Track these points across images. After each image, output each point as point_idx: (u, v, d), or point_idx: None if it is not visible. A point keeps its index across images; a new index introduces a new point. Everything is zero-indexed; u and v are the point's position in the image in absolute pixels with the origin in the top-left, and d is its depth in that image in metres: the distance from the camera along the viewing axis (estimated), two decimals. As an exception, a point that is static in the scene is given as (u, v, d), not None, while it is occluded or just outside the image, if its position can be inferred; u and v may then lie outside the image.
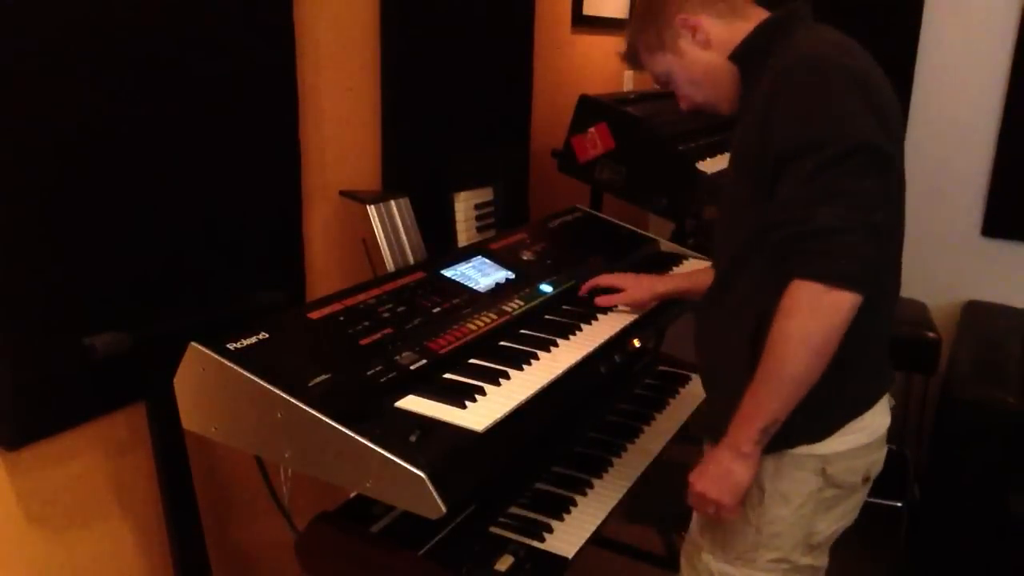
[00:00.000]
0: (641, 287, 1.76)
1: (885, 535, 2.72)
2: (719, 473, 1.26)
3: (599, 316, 1.70)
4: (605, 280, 1.79)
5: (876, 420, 1.35)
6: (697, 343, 1.45)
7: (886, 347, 1.39)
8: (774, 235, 1.19)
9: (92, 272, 1.34)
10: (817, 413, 1.23)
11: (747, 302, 1.29)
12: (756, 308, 1.26)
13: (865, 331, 1.20)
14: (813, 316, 1.15)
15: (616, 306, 1.75)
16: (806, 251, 1.14)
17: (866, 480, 1.37)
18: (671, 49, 1.40)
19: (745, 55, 1.34)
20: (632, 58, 1.48)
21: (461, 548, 1.45)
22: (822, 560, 1.39)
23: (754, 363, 1.24)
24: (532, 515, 1.56)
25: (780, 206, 1.18)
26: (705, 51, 1.37)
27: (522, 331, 1.58)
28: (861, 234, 1.12)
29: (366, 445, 1.12)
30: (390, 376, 1.30)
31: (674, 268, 2.10)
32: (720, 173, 2.30)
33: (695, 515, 1.44)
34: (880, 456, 1.39)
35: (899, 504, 2.71)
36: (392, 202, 1.79)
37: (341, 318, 1.43)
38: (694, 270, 1.83)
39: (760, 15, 1.36)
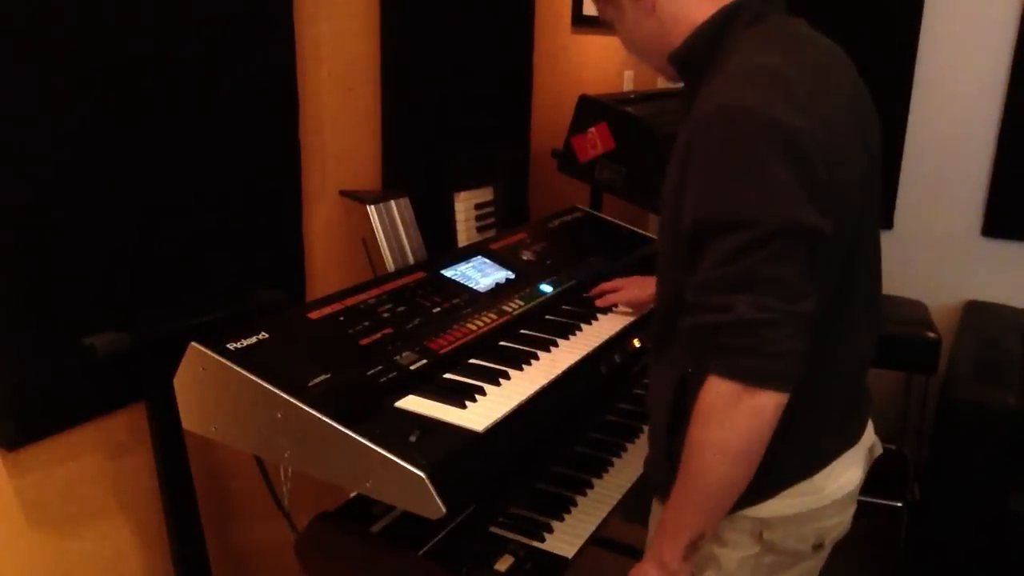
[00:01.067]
0: (637, 285, 1.75)
1: (885, 535, 2.72)
2: None
3: (599, 316, 1.71)
4: (607, 285, 1.79)
5: (833, 481, 1.19)
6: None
7: (855, 396, 1.25)
8: (688, 321, 1.05)
9: (92, 272, 1.34)
10: (753, 477, 1.07)
11: (674, 359, 1.17)
12: (680, 368, 1.14)
13: (810, 397, 1.08)
14: (731, 421, 1.01)
15: (616, 306, 1.75)
16: (721, 346, 1.00)
17: (819, 547, 1.22)
18: (616, 4, 1.22)
19: (682, 63, 1.17)
20: None
21: (461, 548, 1.45)
22: None
23: (673, 429, 1.13)
24: (532, 515, 1.56)
25: (696, 288, 1.03)
26: (648, 17, 1.18)
27: (522, 331, 1.58)
28: (784, 327, 0.97)
29: (366, 445, 1.12)
30: (390, 376, 1.30)
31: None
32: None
33: None
34: (840, 520, 1.23)
35: (899, 504, 2.71)
36: (392, 202, 1.79)
37: (341, 318, 1.43)
38: None
39: None
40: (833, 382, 1.18)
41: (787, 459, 1.13)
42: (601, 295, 1.78)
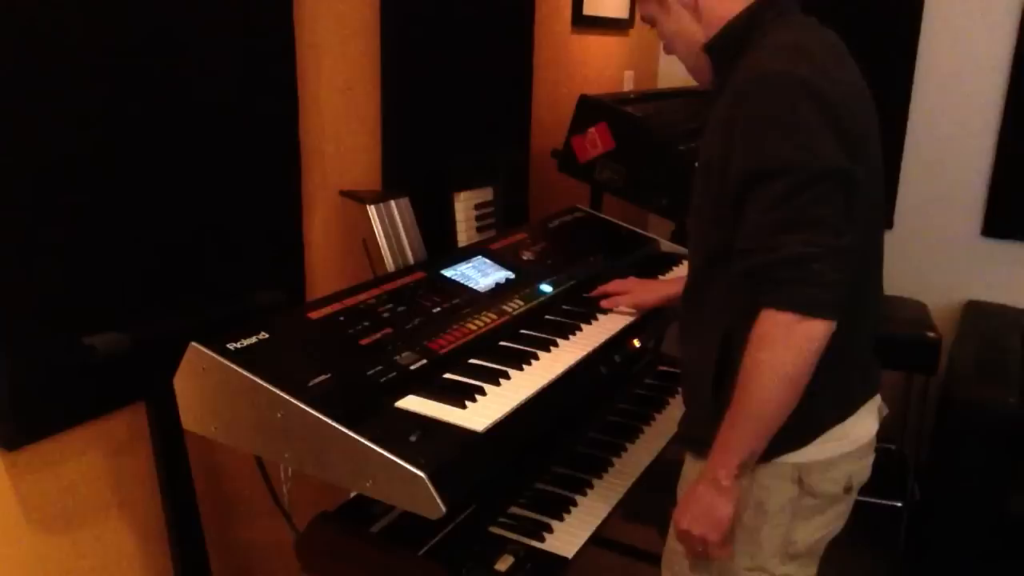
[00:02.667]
0: (646, 290, 1.76)
1: (885, 535, 2.72)
2: (701, 510, 1.24)
3: (599, 316, 1.71)
4: (613, 286, 1.79)
5: (859, 428, 1.31)
6: (679, 352, 1.43)
7: (870, 353, 1.36)
8: (741, 263, 1.16)
9: (92, 272, 1.34)
10: (793, 421, 1.19)
11: (713, 320, 1.27)
12: (721, 327, 1.25)
13: (843, 338, 1.16)
14: (786, 347, 1.12)
15: (617, 306, 1.75)
16: (775, 280, 1.12)
17: (848, 489, 1.33)
18: (659, 1, 1.33)
19: (717, 50, 1.29)
20: None
21: (461, 548, 1.45)
22: (807, 571, 1.36)
23: (720, 381, 1.23)
24: (532, 515, 1.56)
25: (746, 234, 1.15)
26: (691, 15, 1.31)
27: (522, 331, 1.58)
28: (830, 260, 1.10)
29: (366, 445, 1.12)
30: (390, 376, 1.30)
31: (674, 268, 2.10)
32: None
33: (672, 523, 1.40)
34: (864, 464, 1.35)
35: (899, 504, 2.71)
36: (392, 202, 1.79)
37: (341, 318, 1.43)
38: None
39: None
40: (861, 330, 1.29)
41: (824, 405, 1.24)
42: (604, 296, 1.78)
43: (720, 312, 1.26)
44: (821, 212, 1.10)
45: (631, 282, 1.80)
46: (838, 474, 1.29)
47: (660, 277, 1.99)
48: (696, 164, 1.32)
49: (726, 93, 1.21)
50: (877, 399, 1.38)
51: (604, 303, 1.76)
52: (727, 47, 1.27)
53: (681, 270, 2.09)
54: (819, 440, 1.26)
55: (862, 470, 1.34)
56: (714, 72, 1.32)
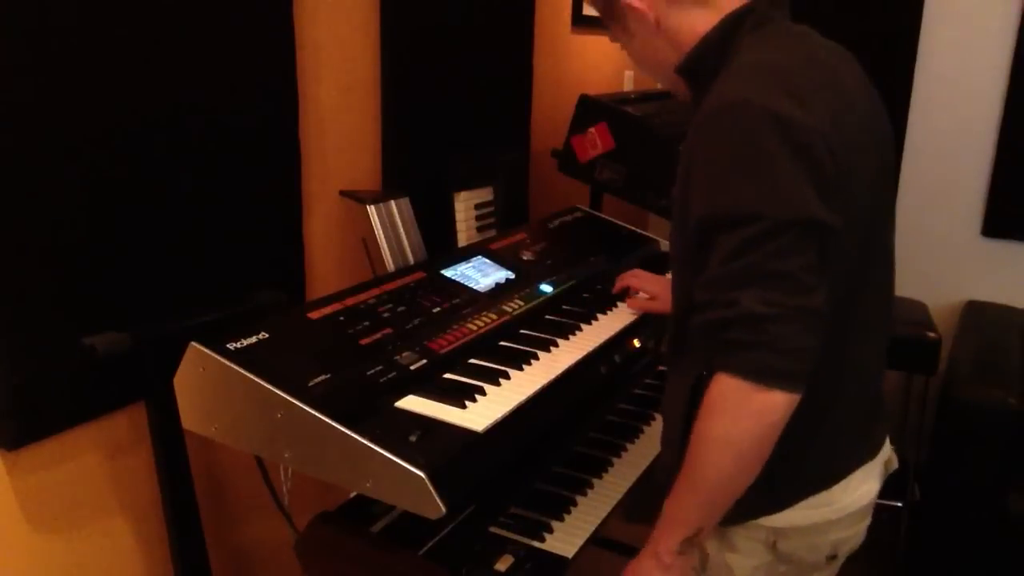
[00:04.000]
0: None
1: (885, 535, 2.72)
2: None
3: (599, 316, 1.70)
4: (636, 283, 1.77)
5: (849, 494, 1.18)
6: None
7: (867, 411, 1.22)
8: (697, 318, 1.02)
9: (92, 272, 1.34)
10: (769, 487, 1.06)
11: (689, 364, 1.14)
12: (695, 371, 1.11)
13: (828, 401, 1.08)
14: (738, 419, 0.98)
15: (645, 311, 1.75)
16: (727, 341, 0.97)
17: (832, 558, 1.21)
18: (621, 25, 1.21)
19: (690, 72, 1.16)
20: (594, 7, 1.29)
21: (461, 548, 1.45)
22: None
23: (686, 433, 1.09)
24: (532, 515, 1.56)
25: (703, 285, 1.01)
26: (654, 35, 1.17)
27: (522, 331, 1.58)
28: (794, 322, 0.95)
29: (366, 445, 1.12)
30: (390, 376, 1.30)
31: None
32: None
33: None
34: (855, 532, 1.22)
35: (899, 504, 2.71)
36: (392, 202, 1.79)
37: (341, 318, 1.43)
38: None
39: (723, 5, 1.13)
40: (851, 387, 1.16)
41: (806, 469, 1.13)
42: (622, 292, 1.76)
43: (692, 360, 1.12)
44: (787, 266, 0.95)
45: (652, 282, 1.77)
46: (820, 541, 1.18)
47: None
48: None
49: (692, 123, 1.07)
50: (882, 456, 1.27)
51: (631, 305, 1.74)
52: (702, 68, 1.13)
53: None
54: (799, 505, 1.15)
55: (852, 537, 1.22)
56: (692, 95, 1.18)
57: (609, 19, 1.23)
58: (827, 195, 0.98)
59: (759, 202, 0.97)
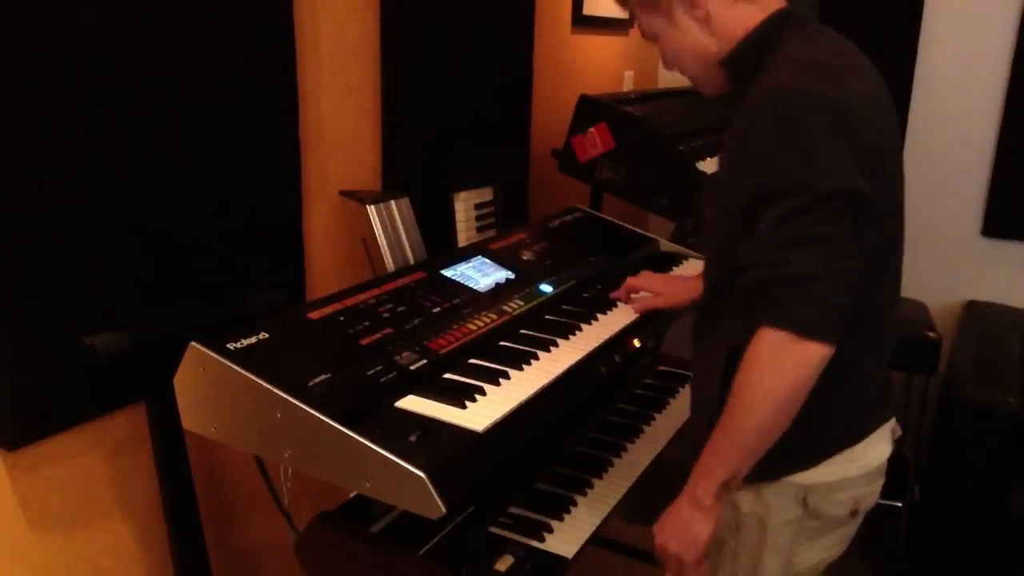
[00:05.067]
0: (677, 292, 1.74)
1: (885, 535, 2.72)
2: (678, 526, 1.22)
3: (599, 316, 1.70)
4: (640, 282, 1.78)
5: (869, 453, 1.29)
6: (692, 366, 1.41)
7: (884, 376, 1.33)
8: (745, 278, 1.13)
9: (92, 272, 1.34)
10: (801, 443, 1.18)
11: (723, 334, 1.25)
12: (730, 342, 1.21)
13: (853, 361, 1.15)
14: (779, 368, 1.09)
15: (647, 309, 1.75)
16: (775, 297, 1.08)
17: (854, 513, 1.31)
18: (666, 13, 1.28)
19: (734, 64, 1.26)
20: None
21: (461, 548, 1.45)
22: None
23: (722, 401, 1.19)
24: (532, 515, 1.56)
25: (752, 248, 1.12)
26: (701, 28, 1.26)
27: (522, 331, 1.58)
28: (834, 282, 1.07)
29: (366, 445, 1.12)
30: (390, 376, 1.30)
31: (674, 268, 2.10)
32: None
33: None
34: (872, 489, 1.32)
35: (899, 504, 2.71)
36: (392, 202, 1.79)
37: (341, 318, 1.43)
38: None
39: (767, 3, 1.25)
40: (874, 352, 1.27)
41: (832, 429, 1.23)
42: (626, 294, 1.77)
43: (730, 329, 1.23)
44: (829, 232, 1.07)
45: (658, 281, 1.78)
46: (844, 497, 1.28)
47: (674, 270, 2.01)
48: (713, 177, 1.33)
49: (743, 109, 1.19)
50: (891, 422, 1.36)
51: (635, 307, 1.75)
52: (746, 61, 1.24)
53: (685, 268, 2.09)
54: (826, 463, 1.25)
55: (870, 495, 1.32)
56: (733, 85, 1.29)
57: (652, 9, 1.30)
58: (866, 170, 1.10)
59: (807, 174, 1.08)
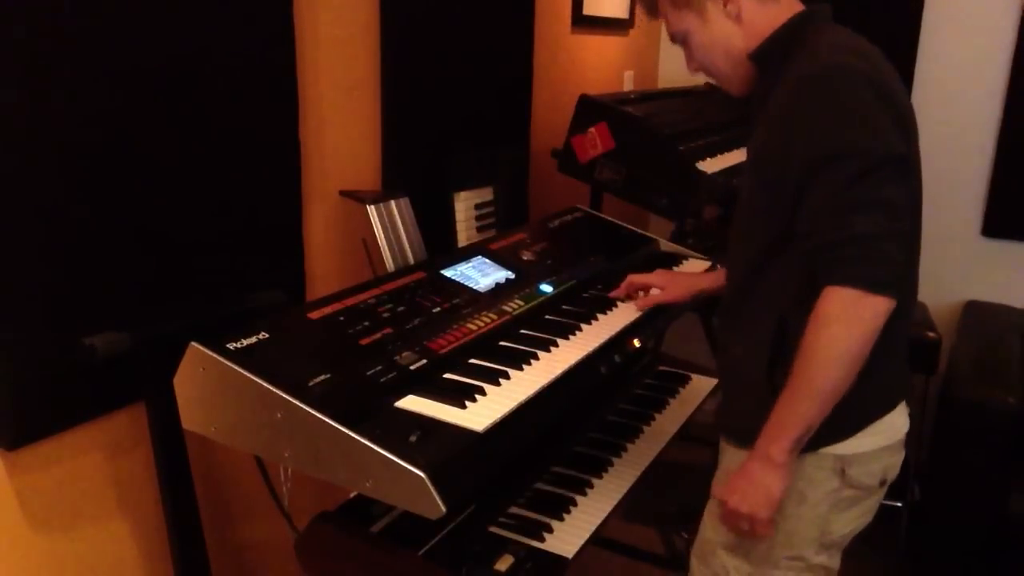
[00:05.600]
0: (679, 285, 1.77)
1: (885, 535, 2.72)
2: (752, 487, 1.26)
3: (599, 316, 1.70)
4: (641, 279, 1.78)
5: (897, 422, 1.35)
6: (717, 348, 1.45)
7: (907, 348, 1.39)
8: (805, 243, 1.20)
9: (92, 272, 1.34)
10: (842, 413, 1.22)
11: (767, 307, 1.30)
12: (776, 312, 1.28)
13: (890, 333, 1.19)
14: (851, 323, 1.15)
15: (651, 305, 1.75)
16: (842, 258, 1.15)
17: (883, 483, 1.36)
18: (698, 10, 1.35)
19: (764, 56, 1.33)
20: (651, 2, 1.43)
21: (461, 548, 1.45)
22: (835, 561, 1.39)
23: (774, 367, 1.26)
24: (532, 515, 1.56)
25: (812, 215, 1.19)
26: (733, 25, 1.34)
27: (522, 331, 1.58)
28: (896, 241, 1.15)
29: (366, 445, 1.12)
30: (390, 376, 1.30)
31: (674, 268, 2.10)
32: (721, 173, 2.31)
33: (707, 512, 1.43)
34: (898, 460, 1.38)
35: (899, 504, 2.71)
36: (392, 202, 1.79)
37: (341, 318, 1.43)
38: (721, 271, 1.83)
39: (792, 4, 1.35)
40: (905, 318, 1.30)
41: (871, 396, 1.28)
42: (628, 291, 1.77)
43: (773, 303, 1.29)
44: (889, 194, 1.15)
45: (661, 277, 1.79)
46: (876, 467, 1.33)
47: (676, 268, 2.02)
48: (747, 164, 1.38)
49: (782, 87, 1.25)
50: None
51: (638, 303, 1.76)
52: (775, 55, 1.31)
53: (685, 268, 2.09)
54: (863, 432, 1.30)
55: (896, 465, 1.38)
56: (760, 77, 1.35)
57: (684, 7, 1.37)
58: (909, 142, 1.21)
59: (863, 140, 1.16)
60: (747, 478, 1.26)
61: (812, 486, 1.31)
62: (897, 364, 1.35)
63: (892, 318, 1.17)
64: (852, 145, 1.16)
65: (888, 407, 1.33)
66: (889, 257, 1.14)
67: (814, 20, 1.33)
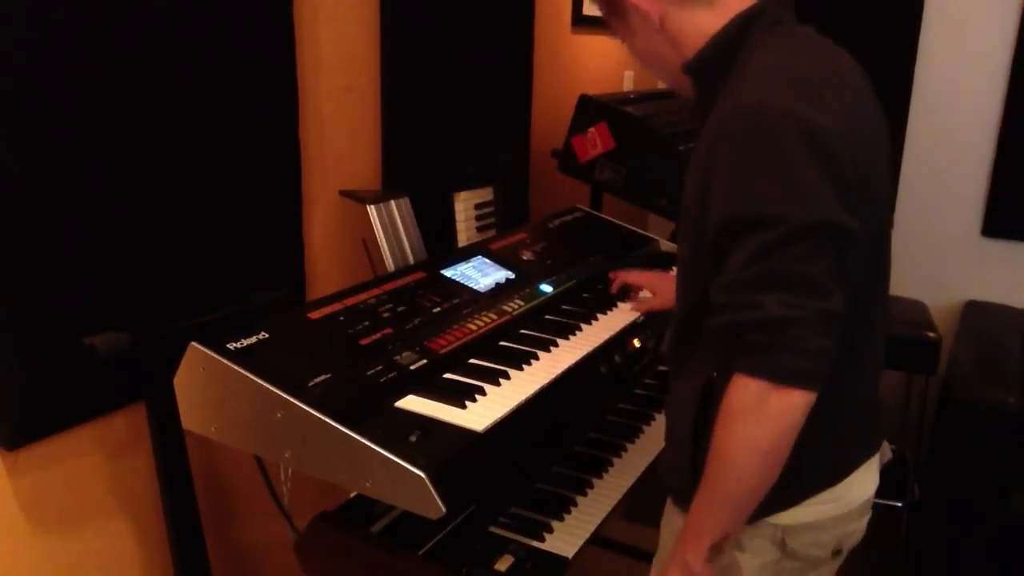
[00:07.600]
0: (671, 290, 1.71)
1: (885, 535, 2.72)
2: None
3: (599, 316, 1.70)
4: (634, 278, 1.77)
5: (854, 490, 1.20)
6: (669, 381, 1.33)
7: (870, 409, 1.24)
8: (715, 320, 1.03)
9: (92, 272, 1.34)
10: (778, 485, 1.05)
11: (701, 361, 1.15)
12: (709, 369, 1.12)
13: (840, 401, 1.09)
14: (759, 420, 0.99)
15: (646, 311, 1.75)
16: (750, 344, 0.98)
17: (837, 553, 1.22)
18: (624, 20, 1.19)
19: (698, 71, 1.15)
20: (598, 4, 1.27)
21: (461, 548, 1.45)
22: None
23: (699, 429, 1.12)
24: (532, 515, 1.56)
25: (723, 287, 1.01)
26: (659, 35, 1.16)
27: (522, 331, 1.58)
28: (814, 325, 0.96)
29: (366, 445, 1.12)
30: (390, 376, 1.30)
31: (674, 268, 2.10)
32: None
33: None
34: (857, 527, 1.24)
35: (899, 504, 2.71)
36: (392, 202, 1.79)
37: (341, 318, 1.43)
38: None
39: (728, 6, 1.12)
40: (858, 387, 1.18)
41: (814, 468, 1.14)
42: (622, 289, 1.76)
43: (706, 359, 1.13)
44: (808, 269, 0.97)
45: (654, 280, 1.77)
46: (826, 538, 1.19)
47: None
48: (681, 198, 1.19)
49: (714, 118, 1.06)
50: (879, 452, 1.28)
51: (634, 307, 1.74)
52: (711, 67, 1.13)
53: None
54: (807, 503, 1.16)
55: (854, 533, 1.24)
56: (697, 94, 1.17)
57: (611, 15, 1.22)
58: (847, 199, 0.99)
59: (782, 205, 0.97)
60: None
61: (748, 556, 1.17)
62: (852, 429, 1.19)
63: (834, 393, 1.03)
64: (770, 208, 0.97)
65: (837, 478, 1.17)
66: (805, 344, 0.96)
67: (757, 24, 1.10)
